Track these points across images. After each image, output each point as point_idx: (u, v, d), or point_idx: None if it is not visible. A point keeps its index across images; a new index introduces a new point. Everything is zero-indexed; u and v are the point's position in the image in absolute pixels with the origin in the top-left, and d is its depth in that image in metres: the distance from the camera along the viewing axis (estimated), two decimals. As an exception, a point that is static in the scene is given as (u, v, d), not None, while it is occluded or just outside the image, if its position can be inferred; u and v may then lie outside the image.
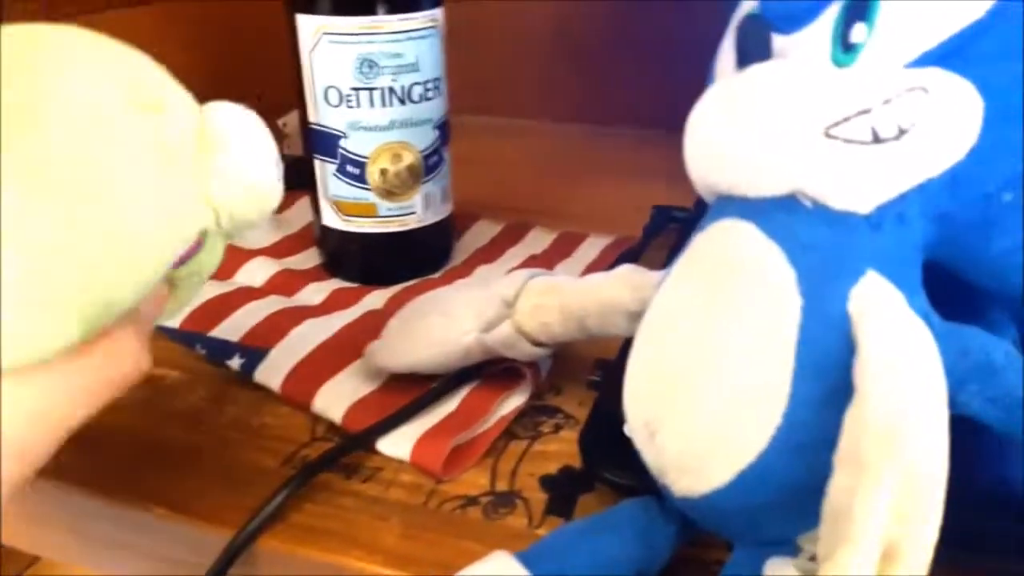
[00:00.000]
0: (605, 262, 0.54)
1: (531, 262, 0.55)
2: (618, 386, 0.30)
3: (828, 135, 0.25)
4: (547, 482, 0.37)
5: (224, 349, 0.45)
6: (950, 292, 0.27)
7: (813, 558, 0.26)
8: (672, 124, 0.33)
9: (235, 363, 0.44)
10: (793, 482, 0.25)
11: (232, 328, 0.47)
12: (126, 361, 0.25)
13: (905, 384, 0.22)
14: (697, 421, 0.26)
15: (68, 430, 0.24)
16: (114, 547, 0.39)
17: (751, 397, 0.25)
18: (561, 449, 0.39)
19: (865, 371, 0.23)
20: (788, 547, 0.27)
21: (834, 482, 0.23)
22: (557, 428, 0.41)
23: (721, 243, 0.28)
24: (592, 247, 0.57)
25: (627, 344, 0.31)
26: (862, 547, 0.21)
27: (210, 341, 0.46)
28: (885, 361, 0.23)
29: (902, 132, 0.24)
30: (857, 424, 0.22)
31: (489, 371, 0.42)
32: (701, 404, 0.26)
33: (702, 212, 0.30)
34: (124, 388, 0.26)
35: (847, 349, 0.24)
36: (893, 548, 0.22)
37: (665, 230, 0.58)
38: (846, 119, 0.24)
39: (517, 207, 0.63)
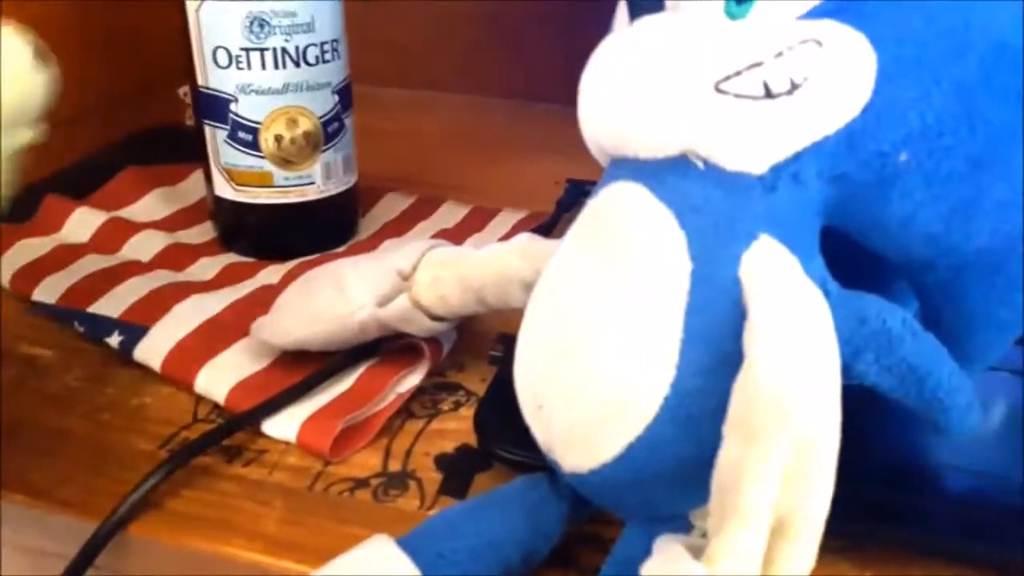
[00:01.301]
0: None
1: (441, 236, 0.53)
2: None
3: (719, 90, 0.23)
4: (442, 461, 0.36)
5: (103, 326, 0.42)
6: (856, 261, 0.26)
7: (706, 535, 0.25)
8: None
9: (114, 340, 0.41)
10: (683, 454, 0.24)
11: (112, 304, 0.44)
12: None
13: (795, 352, 0.21)
14: (583, 393, 0.25)
15: None
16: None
17: (638, 367, 0.24)
18: (460, 427, 0.37)
19: (754, 338, 0.22)
20: (681, 523, 0.27)
21: (723, 453, 0.22)
22: (457, 405, 0.39)
23: (611, 207, 0.26)
24: (504, 222, 0.55)
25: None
26: (751, 520, 0.20)
27: (88, 318, 0.43)
28: (775, 328, 0.22)
29: (795, 86, 0.23)
30: (746, 393, 0.21)
31: (388, 347, 0.40)
32: (586, 375, 0.25)
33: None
34: None
35: (738, 316, 0.23)
36: (783, 521, 0.21)
37: (578, 204, 0.56)
38: (737, 73, 0.23)
39: (430, 181, 0.61)
